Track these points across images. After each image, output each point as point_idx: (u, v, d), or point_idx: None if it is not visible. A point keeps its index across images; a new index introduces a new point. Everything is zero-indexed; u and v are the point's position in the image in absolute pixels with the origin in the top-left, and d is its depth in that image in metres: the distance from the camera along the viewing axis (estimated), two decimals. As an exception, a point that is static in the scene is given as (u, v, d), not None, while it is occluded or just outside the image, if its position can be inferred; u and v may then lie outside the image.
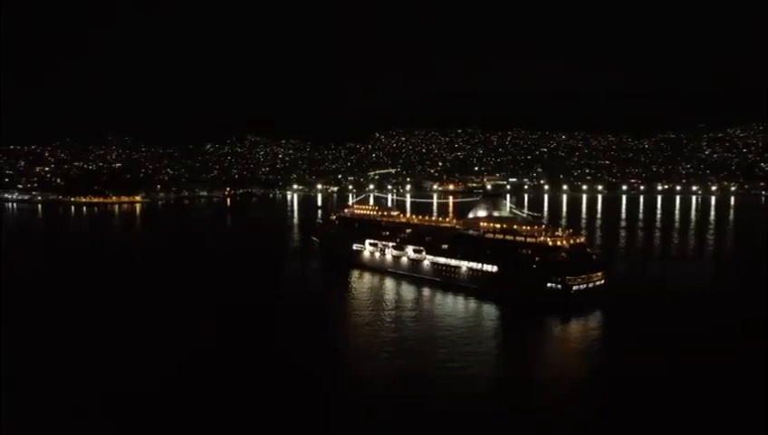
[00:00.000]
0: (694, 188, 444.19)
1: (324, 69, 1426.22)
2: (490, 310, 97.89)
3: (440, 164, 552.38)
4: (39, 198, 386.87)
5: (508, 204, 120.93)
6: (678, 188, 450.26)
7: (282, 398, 61.82)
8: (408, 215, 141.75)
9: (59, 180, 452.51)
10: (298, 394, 62.64)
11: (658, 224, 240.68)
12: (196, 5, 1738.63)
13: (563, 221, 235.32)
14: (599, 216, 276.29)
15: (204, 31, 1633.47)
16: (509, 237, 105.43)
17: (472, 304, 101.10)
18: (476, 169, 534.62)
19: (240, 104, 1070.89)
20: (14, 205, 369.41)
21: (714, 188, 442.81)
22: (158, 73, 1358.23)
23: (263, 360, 72.81)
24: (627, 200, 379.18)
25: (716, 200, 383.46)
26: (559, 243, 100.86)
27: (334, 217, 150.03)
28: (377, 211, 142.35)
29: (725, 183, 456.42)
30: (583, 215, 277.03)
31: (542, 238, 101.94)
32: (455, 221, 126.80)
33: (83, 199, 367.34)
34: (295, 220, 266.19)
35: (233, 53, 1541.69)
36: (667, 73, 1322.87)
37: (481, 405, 60.78)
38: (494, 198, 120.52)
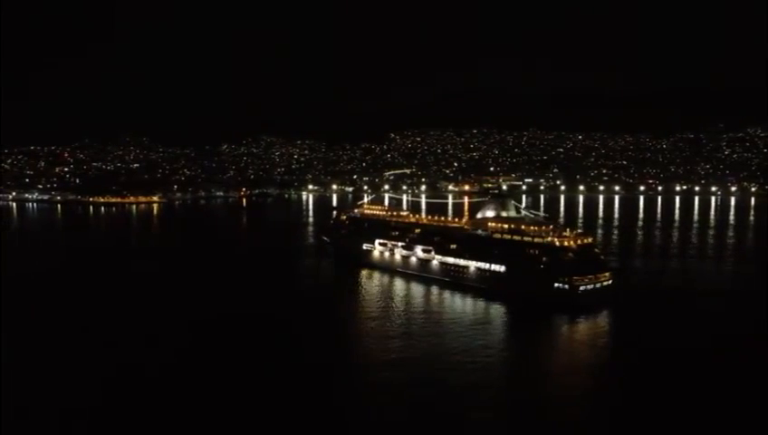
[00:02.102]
0: (713, 188, 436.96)
1: (334, 69, 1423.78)
2: (498, 309, 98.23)
3: (455, 164, 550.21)
4: (58, 198, 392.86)
5: (521, 204, 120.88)
6: (697, 188, 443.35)
7: (291, 392, 62.56)
8: (418, 215, 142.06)
9: (77, 181, 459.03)
10: (307, 389, 63.45)
11: (676, 224, 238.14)
12: (215, 6, 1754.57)
13: (580, 221, 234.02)
14: (615, 216, 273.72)
15: (220, 32, 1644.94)
16: (516, 238, 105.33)
17: (480, 302, 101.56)
18: (492, 169, 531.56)
19: (255, 105, 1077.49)
20: (35, 205, 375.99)
21: (733, 188, 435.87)
22: (175, 74, 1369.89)
23: (271, 356, 73.51)
24: (644, 201, 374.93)
25: (736, 201, 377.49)
26: (566, 243, 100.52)
27: (344, 217, 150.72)
28: (386, 211, 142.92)
29: (746, 184, 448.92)
30: (600, 215, 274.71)
31: (549, 239, 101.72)
32: (464, 221, 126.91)
33: (101, 199, 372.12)
34: (310, 220, 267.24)
35: (248, 55, 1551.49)
36: (682, 73, 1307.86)
37: (490, 397, 62.54)
38: (502, 199, 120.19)
